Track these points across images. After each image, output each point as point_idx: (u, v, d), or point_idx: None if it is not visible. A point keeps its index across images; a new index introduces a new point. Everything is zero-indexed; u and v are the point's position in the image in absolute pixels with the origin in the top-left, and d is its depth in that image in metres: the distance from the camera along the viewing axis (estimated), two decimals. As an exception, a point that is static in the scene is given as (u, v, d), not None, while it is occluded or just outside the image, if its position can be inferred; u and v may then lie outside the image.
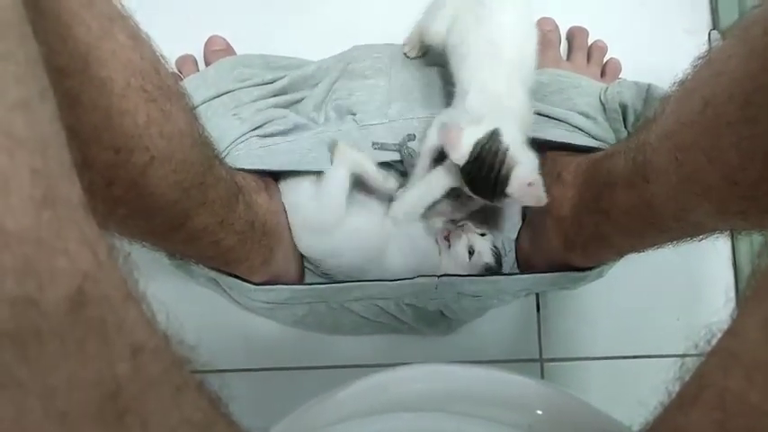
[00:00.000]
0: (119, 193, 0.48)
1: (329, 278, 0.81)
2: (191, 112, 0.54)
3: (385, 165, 0.80)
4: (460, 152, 0.63)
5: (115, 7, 0.44)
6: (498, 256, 0.77)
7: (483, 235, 0.77)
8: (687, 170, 0.50)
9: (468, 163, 0.63)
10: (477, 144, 0.63)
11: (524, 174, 0.63)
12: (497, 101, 0.67)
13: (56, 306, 0.24)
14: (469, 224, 0.77)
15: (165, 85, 0.48)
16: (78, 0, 0.39)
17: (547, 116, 0.76)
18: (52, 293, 0.24)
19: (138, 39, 0.46)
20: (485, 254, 0.75)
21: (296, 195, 0.75)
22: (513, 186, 0.63)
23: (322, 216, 0.74)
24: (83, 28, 0.40)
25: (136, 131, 0.45)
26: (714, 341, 0.33)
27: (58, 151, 0.27)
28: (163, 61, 0.50)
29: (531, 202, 0.64)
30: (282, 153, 0.74)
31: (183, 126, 0.51)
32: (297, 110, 0.80)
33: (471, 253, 0.75)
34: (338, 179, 0.73)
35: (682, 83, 0.54)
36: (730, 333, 0.31)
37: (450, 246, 0.76)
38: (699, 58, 0.52)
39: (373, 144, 0.78)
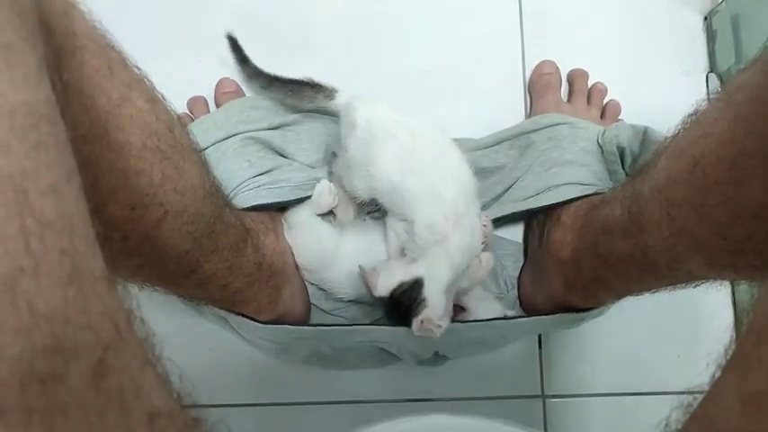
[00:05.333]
0: (133, 245, 0.50)
1: (340, 302, 0.83)
2: (203, 166, 0.56)
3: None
4: (381, 289, 0.68)
5: (133, 73, 0.47)
6: None
7: None
8: (678, 224, 0.52)
9: (386, 298, 0.68)
10: (400, 285, 0.68)
11: (429, 316, 0.67)
12: (443, 232, 0.69)
13: (79, 380, 0.26)
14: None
15: (179, 143, 0.50)
16: (99, 72, 0.42)
17: (530, 197, 0.78)
18: (76, 368, 0.26)
19: (154, 101, 0.48)
20: None
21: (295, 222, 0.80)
22: (416, 326, 0.68)
23: (317, 252, 0.79)
24: (103, 98, 0.42)
25: (151, 189, 0.48)
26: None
27: (83, 228, 0.29)
28: (176, 119, 0.52)
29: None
30: (288, 189, 0.77)
31: (196, 180, 0.53)
32: (302, 140, 0.82)
33: None
34: (304, 216, 0.79)
35: (674, 137, 0.56)
36: (709, 399, 0.33)
37: None
38: (689, 116, 0.54)
39: None
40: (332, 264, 0.79)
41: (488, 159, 0.82)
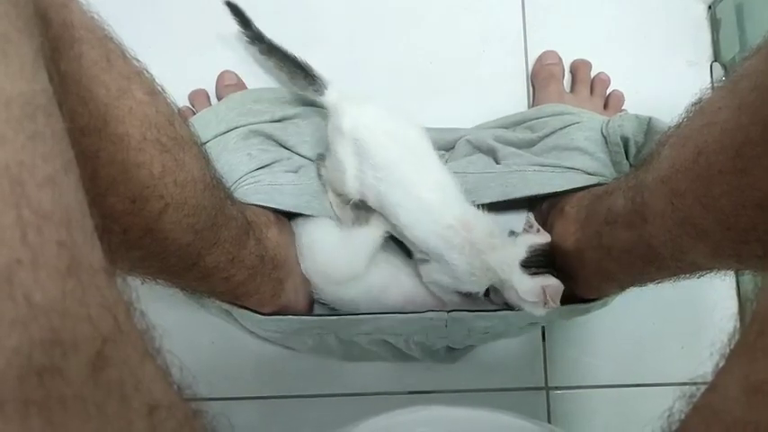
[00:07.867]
0: (134, 238, 0.50)
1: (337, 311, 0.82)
2: (203, 158, 0.56)
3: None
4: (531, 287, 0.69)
5: (132, 65, 0.46)
6: None
7: None
8: (682, 214, 0.51)
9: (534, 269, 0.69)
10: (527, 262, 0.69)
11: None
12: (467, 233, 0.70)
13: (78, 372, 0.25)
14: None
15: (179, 135, 0.50)
16: (98, 64, 0.42)
17: (541, 165, 0.77)
18: (75, 360, 0.25)
19: (153, 93, 0.48)
20: None
21: (311, 238, 0.78)
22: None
23: (344, 268, 0.77)
24: (102, 90, 0.42)
25: (151, 182, 0.47)
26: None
27: (82, 220, 0.29)
28: (176, 111, 0.52)
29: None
30: (289, 195, 0.75)
31: (197, 173, 0.53)
32: (303, 133, 0.82)
33: None
34: (372, 239, 0.76)
35: (677, 127, 0.55)
36: (712, 389, 0.32)
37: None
38: (693, 105, 0.53)
39: None
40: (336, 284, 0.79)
41: (491, 139, 0.82)
